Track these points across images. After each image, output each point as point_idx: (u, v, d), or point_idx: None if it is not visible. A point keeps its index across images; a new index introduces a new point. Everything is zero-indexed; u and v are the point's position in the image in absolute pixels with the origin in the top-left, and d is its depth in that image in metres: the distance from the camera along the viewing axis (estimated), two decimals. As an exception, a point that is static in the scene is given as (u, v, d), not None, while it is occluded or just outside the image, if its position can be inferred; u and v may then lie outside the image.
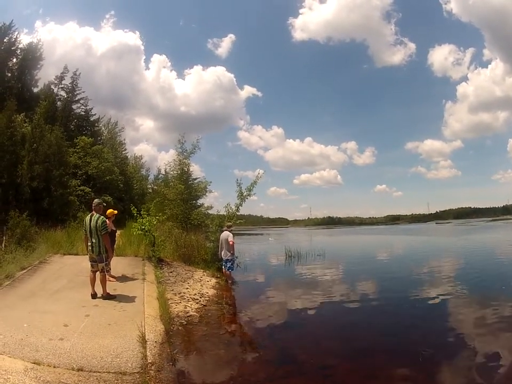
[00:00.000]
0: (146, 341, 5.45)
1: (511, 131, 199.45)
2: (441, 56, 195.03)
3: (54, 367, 4.27)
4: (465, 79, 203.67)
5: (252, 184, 14.84)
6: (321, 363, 5.87)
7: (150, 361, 4.95)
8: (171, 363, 5.21)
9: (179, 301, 8.61)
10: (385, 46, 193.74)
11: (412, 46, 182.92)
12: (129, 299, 7.43)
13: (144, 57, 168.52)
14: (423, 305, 9.53)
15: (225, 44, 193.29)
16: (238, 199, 14.79)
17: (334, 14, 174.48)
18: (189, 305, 8.44)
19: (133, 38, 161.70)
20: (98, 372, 4.34)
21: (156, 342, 5.68)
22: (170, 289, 9.37)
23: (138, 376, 4.44)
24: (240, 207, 14.93)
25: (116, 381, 4.23)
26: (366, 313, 9.01)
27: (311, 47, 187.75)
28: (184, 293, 9.31)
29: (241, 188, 14.64)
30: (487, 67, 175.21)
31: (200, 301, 8.93)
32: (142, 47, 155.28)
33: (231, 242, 11.78)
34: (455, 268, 16.53)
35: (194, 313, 7.94)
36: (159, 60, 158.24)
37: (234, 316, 8.56)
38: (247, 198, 14.79)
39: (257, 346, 6.62)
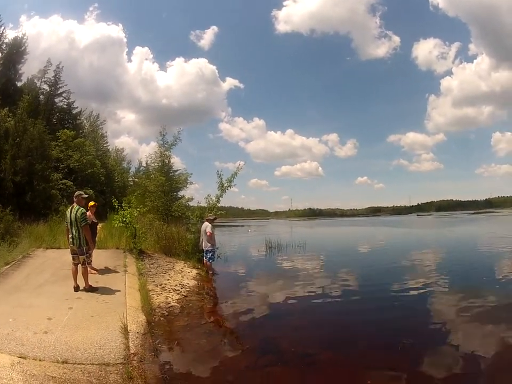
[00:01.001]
0: (128, 332, 5.49)
1: (495, 125, 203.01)
2: (425, 50, 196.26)
3: (40, 360, 4.32)
4: (449, 73, 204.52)
5: (232, 175, 14.84)
6: (302, 352, 5.93)
7: (132, 352, 5.01)
8: (153, 353, 5.27)
9: (160, 292, 8.69)
10: (369, 39, 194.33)
11: (397, 39, 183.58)
12: (111, 291, 7.46)
13: (126, 49, 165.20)
14: (405, 296, 9.58)
15: (208, 36, 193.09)
16: (218, 190, 14.74)
17: (318, 6, 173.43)
18: (170, 296, 8.51)
19: (115, 31, 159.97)
20: (83, 364, 4.41)
21: (138, 333, 5.74)
22: (151, 280, 9.44)
23: (121, 367, 4.49)
24: (220, 198, 14.89)
25: (99, 372, 4.29)
26: (347, 304, 9.04)
27: (294, 39, 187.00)
28: (165, 284, 9.38)
29: (221, 179, 14.63)
30: (472, 62, 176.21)
31: (181, 291, 9.00)
32: (125, 40, 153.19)
33: (208, 233, 11.82)
34: (436, 259, 16.68)
35: (176, 304, 8.00)
36: (141, 52, 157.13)
37: (215, 306, 8.63)
38: (227, 189, 14.77)
39: (239, 336, 6.69)
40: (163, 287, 9.08)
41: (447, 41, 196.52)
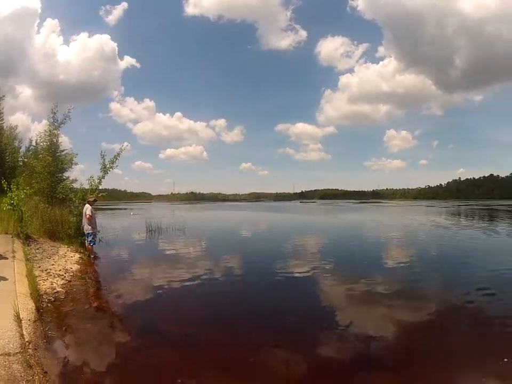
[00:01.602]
0: (21, 320, 5.57)
1: (391, 123, 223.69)
2: (331, 47, 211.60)
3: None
4: (351, 71, 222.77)
5: (114, 157, 14.95)
6: (184, 332, 6.25)
7: (27, 340, 5.13)
8: (46, 340, 5.46)
9: (46, 277, 8.69)
10: (275, 30, 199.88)
11: (304, 33, 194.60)
12: (2, 278, 7.34)
13: (38, 21, 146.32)
14: (288, 278, 9.94)
15: (117, 12, 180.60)
16: (101, 171, 14.78)
17: None
18: (55, 281, 8.58)
19: (33, 1, 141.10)
20: (-12, 355, 4.46)
21: (29, 320, 5.84)
22: (37, 266, 9.32)
23: (20, 356, 4.63)
24: (102, 179, 14.90)
25: (5, 363, 4.43)
26: (230, 285, 9.39)
27: (200, 23, 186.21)
28: (50, 269, 9.37)
29: (104, 160, 14.69)
30: (378, 63, 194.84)
31: (65, 276, 9.10)
32: (40, 11, 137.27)
33: (88, 216, 11.90)
34: (319, 244, 17.29)
35: (61, 289, 8.11)
36: (51, 24, 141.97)
37: (98, 290, 8.78)
38: (109, 171, 14.89)
39: (122, 319, 6.92)
40: (48, 273, 9.06)
41: (355, 41, 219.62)
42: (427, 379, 4.87)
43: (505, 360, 5.04)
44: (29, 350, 4.97)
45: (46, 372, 4.67)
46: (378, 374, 4.95)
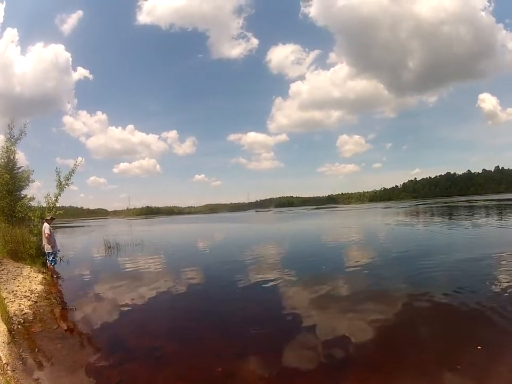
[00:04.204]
0: None
1: (343, 128, 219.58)
2: (281, 54, 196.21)
3: None
4: (302, 78, 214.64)
5: (69, 173, 14.56)
6: (152, 346, 6.11)
7: (4, 362, 5.03)
8: (21, 362, 5.31)
9: (13, 299, 8.31)
10: (227, 39, 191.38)
11: (255, 41, 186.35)
12: None
13: None
14: (250, 288, 9.64)
15: (72, 21, 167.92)
16: (57, 188, 14.32)
17: (186, 1, 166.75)
18: (22, 302, 8.21)
19: None
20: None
21: (3, 342, 5.72)
22: (4, 287, 8.91)
23: (1, 378, 4.54)
24: (59, 197, 14.44)
25: None
26: (193, 298, 9.12)
27: (152, 32, 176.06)
28: (16, 290, 8.96)
29: (60, 176, 14.25)
30: (329, 69, 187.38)
31: (31, 297, 8.71)
32: (2, 19, 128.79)
33: (46, 235, 11.47)
34: (278, 252, 16.73)
35: (28, 310, 7.78)
36: (10, 34, 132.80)
37: (64, 310, 8.48)
38: (65, 187, 14.46)
39: (91, 338, 6.70)
40: (15, 294, 8.67)
41: (307, 48, 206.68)
42: (404, 375, 4.89)
43: (479, 348, 5.24)
44: (8, 371, 4.87)
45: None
46: (347, 377, 4.95)
